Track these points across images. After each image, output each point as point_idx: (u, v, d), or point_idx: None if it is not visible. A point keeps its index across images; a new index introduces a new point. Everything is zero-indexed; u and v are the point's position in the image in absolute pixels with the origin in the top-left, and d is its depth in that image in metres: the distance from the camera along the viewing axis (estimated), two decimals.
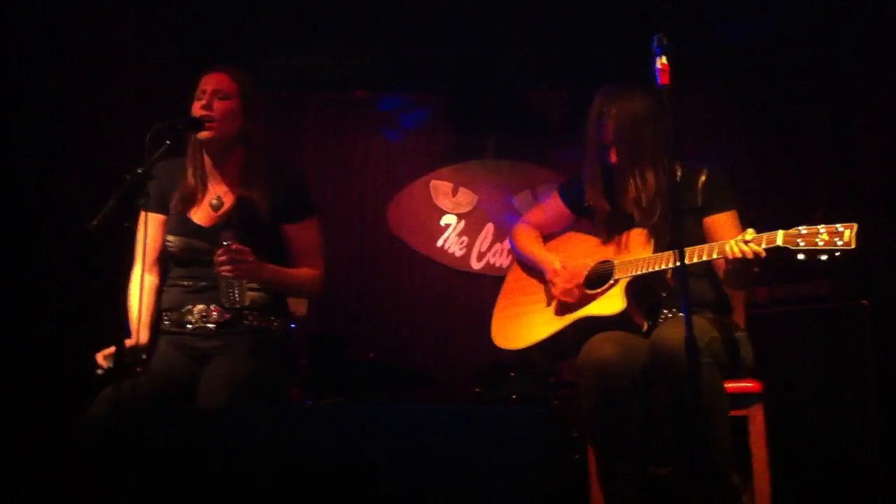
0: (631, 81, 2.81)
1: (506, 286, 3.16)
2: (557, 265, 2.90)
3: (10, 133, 3.54)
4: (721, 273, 2.67)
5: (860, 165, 4.54)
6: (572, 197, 3.05)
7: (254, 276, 2.60)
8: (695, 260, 2.56)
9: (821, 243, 2.33)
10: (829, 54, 4.61)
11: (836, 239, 2.31)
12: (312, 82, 5.33)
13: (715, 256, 2.54)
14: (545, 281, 2.96)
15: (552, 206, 3.12)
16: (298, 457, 2.08)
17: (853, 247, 2.30)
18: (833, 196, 4.72)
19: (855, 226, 2.32)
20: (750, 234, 2.45)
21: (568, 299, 2.84)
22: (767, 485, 2.70)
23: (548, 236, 3.13)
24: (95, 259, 3.06)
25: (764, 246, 2.41)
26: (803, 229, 2.37)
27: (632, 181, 2.80)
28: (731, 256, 2.46)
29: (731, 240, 2.48)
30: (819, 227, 2.35)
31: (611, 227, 2.90)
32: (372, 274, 5.33)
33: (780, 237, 2.40)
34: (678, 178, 2.81)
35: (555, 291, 2.88)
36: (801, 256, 2.37)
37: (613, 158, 2.80)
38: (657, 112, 2.71)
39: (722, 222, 2.77)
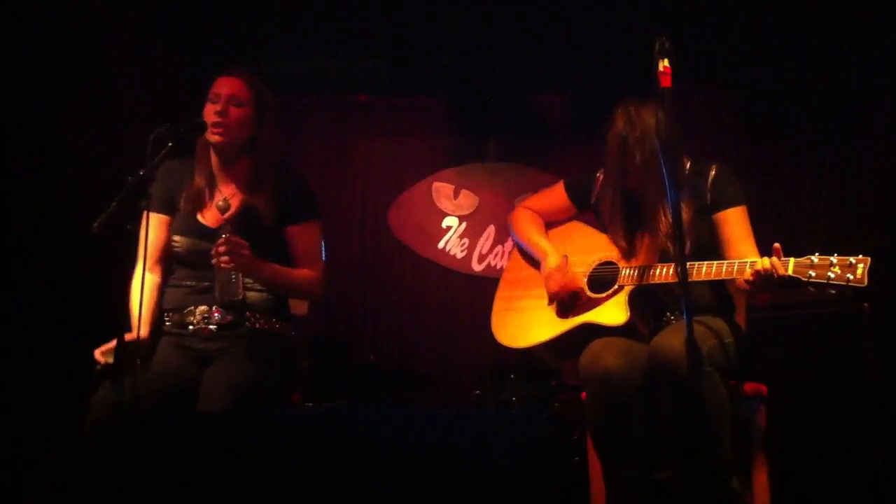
0: (647, 95, 2.55)
1: (505, 276, 3.10)
2: (552, 265, 2.84)
3: (13, 134, 3.55)
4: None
5: (861, 166, 4.54)
6: (578, 196, 2.99)
7: (250, 269, 2.60)
8: (702, 278, 2.52)
9: (832, 276, 2.29)
10: (830, 54, 4.61)
11: (847, 274, 2.28)
12: (315, 86, 5.34)
13: (723, 276, 2.49)
14: None
15: (555, 198, 3.04)
16: (299, 460, 2.08)
17: (864, 285, 2.26)
18: (834, 197, 4.72)
19: (868, 260, 2.28)
20: (764, 263, 2.40)
21: (559, 300, 2.83)
22: (768, 487, 2.70)
23: (550, 224, 3.05)
24: (98, 261, 3.06)
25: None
26: (815, 258, 2.34)
27: (662, 215, 2.69)
28: (739, 279, 2.45)
29: (740, 261, 2.46)
30: (831, 257, 2.31)
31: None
32: (373, 277, 5.33)
33: (790, 266, 2.37)
34: (686, 172, 2.76)
35: (547, 292, 2.86)
36: (810, 288, 2.34)
37: (640, 189, 2.72)
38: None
39: (731, 218, 2.71)
